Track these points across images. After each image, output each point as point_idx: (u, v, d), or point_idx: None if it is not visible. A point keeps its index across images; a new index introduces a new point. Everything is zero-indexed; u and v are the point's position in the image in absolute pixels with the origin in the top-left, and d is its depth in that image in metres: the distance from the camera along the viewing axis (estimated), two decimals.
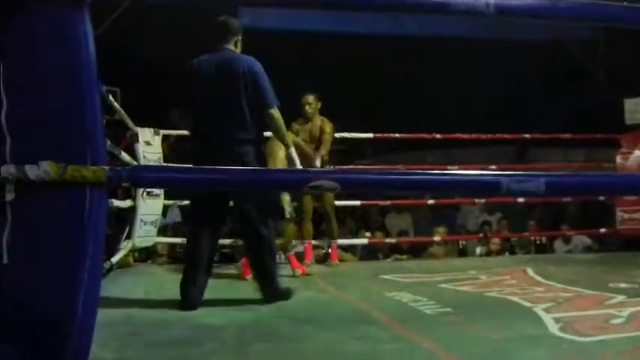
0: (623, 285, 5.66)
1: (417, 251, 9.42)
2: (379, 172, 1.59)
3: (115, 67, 6.20)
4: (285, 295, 5.16)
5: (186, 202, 8.24)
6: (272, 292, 5.12)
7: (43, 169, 1.97)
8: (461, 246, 10.03)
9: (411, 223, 11.27)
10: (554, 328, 4.07)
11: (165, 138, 7.98)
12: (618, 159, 8.79)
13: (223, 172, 1.76)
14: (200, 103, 5.04)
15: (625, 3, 2.05)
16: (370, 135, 8.32)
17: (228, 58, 5.10)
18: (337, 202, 8.32)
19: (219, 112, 4.99)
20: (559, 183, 1.88)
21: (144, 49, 12.03)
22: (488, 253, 9.16)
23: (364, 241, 8.94)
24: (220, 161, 4.60)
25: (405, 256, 8.92)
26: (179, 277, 5.03)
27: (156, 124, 7.55)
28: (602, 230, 9.04)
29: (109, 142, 4.48)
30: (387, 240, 9.06)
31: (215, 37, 5.24)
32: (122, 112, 6.40)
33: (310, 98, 7.55)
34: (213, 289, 5.33)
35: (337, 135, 8.27)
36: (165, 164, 7.25)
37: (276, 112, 5.05)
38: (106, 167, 2.03)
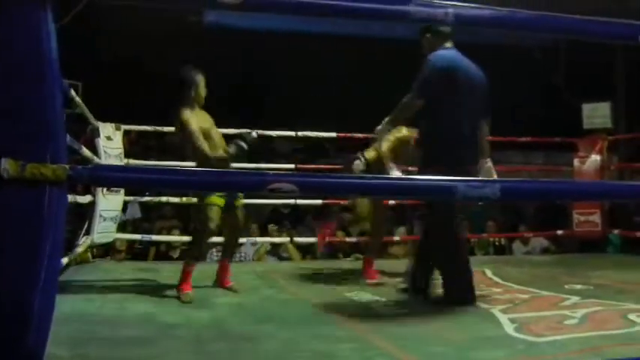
0: (578, 286, 5.76)
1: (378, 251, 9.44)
2: (337, 175, 1.61)
3: (77, 61, 6.17)
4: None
5: (147, 198, 8.24)
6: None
7: (2, 167, 1.96)
8: None
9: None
10: (509, 328, 4.13)
11: (126, 133, 7.92)
12: (576, 162, 8.91)
13: (182, 173, 1.76)
14: (460, 104, 5.01)
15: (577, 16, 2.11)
16: (334, 134, 8.33)
17: (468, 60, 5.24)
18: (299, 201, 8.35)
19: (476, 115, 5.11)
20: (514, 189, 1.91)
21: (107, 43, 11.98)
22: None
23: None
24: (476, 165, 4.94)
25: (364, 256, 8.93)
26: (138, 273, 5.02)
27: (119, 118, 7.49)
28: (560, 232, 9.15)
29: (69, 137, 4.43)
30: (348, 239, 9.07)
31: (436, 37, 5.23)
32: (83, 106, 6.34)
33: None
34: (174, 286, 5.32)
35: (300, 134, 8.29)
36: (125, 165, 7.15)
37: None
38: (67, 166, 2.02)
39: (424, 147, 5.22)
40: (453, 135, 4.94)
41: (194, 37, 12.11)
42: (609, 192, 2.51)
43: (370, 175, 1.73)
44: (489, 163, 5.31)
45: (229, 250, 5.87)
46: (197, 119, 5.29)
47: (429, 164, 4.86)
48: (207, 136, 5.27)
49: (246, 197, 8.38)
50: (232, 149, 5.29)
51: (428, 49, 5.24)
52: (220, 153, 5.29)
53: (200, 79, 5.48)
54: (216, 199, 5.24)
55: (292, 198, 8.18)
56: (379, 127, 5.44)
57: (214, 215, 5.24)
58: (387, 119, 5.36)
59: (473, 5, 2.04)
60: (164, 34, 12.01)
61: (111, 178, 2.09)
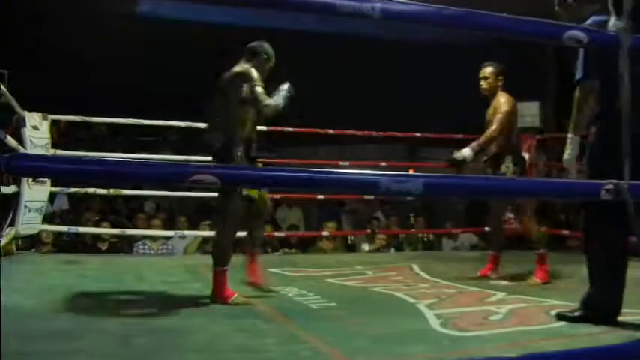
0: (503, 282, 5.85)
1: (306, 246, 9.47)
2: (259, 168, 1.59)
3: (2, 49, 6.04)
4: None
5: (74, 189, 8.10)
6: None
7: None
8: (350, 241, 10.15)
9: (301, 218, 11.32)
10: (435, 323, 4.18)
11: (54, 123, 7.78)
12: None
13: (103, 164, 1.73)
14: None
15: (504, 14, 2.13)
16: (263, 128, 8.30)
17: None
18: None
19: None
20: (437, 184, 1.92)
21: (37, 31, 11.75)
22: (377, 249, 9.28)
23: None
24: None
25: (293, 250, 8.96)
26: (64, 266, 4.93)
27: (46, 108, 7.36)
28: (487, 229, 9.26)
29: None
30: (277, 234, 9.07)
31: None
32: (9, 95, 6.20)
33: (487, 71, 6.39)
34: (101, 279, 5.26)
35: None
36: (46, 154, 7.00)
37: None
38: None
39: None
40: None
41: (126, 26, 11.96)
42: (532, 189, 2.55)
43: (290, 169, 1.72)
44: None
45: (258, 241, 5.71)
46: None
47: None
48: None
49: (172, 190, 8.39)
50: (285, 91, 5.16)
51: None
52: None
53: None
54: (252, 191, 5.17)
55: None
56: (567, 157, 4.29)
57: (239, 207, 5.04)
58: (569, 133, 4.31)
59: (400, 1, 2.05)
60: (96, 23, 11.84)
61: (30, 167, 2.03)
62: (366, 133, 8.89)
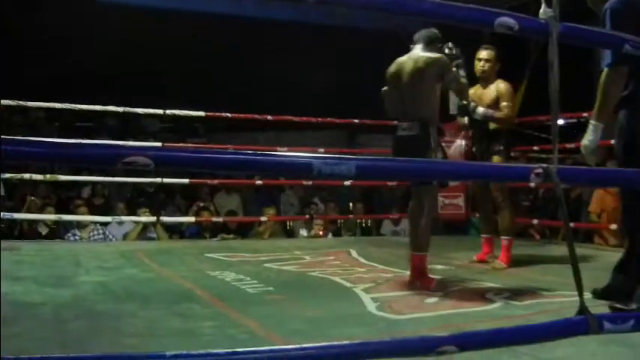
0: (440, 267, 5.92)
1: (245, 231, 9.46)
2: (193, 150, 1.60)
3: None
4: None
5: (10, 174, 7.97)
6: None
7: None
8: (288, 227, 10.18)
9: (240, 203, 11.30)
10: (371, 307, 4.22)
11: None
12: (457, 142, 9.12)
13: (37, 145, 1.70)
14: None
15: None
16: (202, 113, 8.26)
17: None
18: (166, 180, 8.25)
19: None
20: (369, 167, 1.95)
21: None
22: (315, 235, 9.31)
23: (191, 219, 8.89)
24: None
25: (232, 236, 8.94)
26: None
27: None
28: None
29: None
30: (215, 219, 9.04)
31: None
32: None
33: (484, 53, 6.23)
34: (37, 265, 5.19)
35: (168, 112, 8.18)
36: None
37: None
38: None
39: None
40: None
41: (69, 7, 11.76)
42: (464, 172, 2.59)
43: (223, 150, 1.73)
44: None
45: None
46: None
47: None
48: None
49: (109, 175, 8.29)
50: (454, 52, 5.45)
51: None
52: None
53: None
54: None
55: (155, 175, 8.13)
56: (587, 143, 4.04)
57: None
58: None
59: None
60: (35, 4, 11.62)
61: None
62: (304, 119, 8.88)
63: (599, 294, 4.07)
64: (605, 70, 3.82)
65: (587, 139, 3.97)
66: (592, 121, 3.97)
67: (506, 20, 2.26)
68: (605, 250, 7.03)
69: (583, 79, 8.55)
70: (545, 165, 2.28)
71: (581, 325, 2.27)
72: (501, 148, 6.10)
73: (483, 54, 6.18)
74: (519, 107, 11.70)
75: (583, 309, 2.28)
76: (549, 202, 9.22)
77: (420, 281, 4.95)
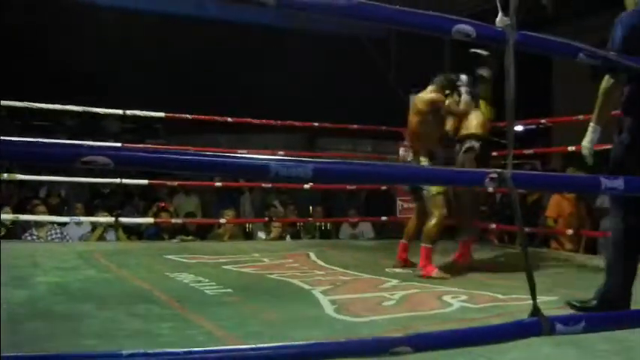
0: (398, 270, 5.96)
1: (204, 233, 9.43)
2: (152, 150, 1.60)
3: None
4: None
5: None
6: None
7: None
8: (248, 229, 10.17)
9: (198, 205, 11.27)
10: (329, 309, 4.25)
11: None
12: (400, 151, 9.17)
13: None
14: None
15: (398, 6, 2.20)
16: (162, 114, 8.23)
17: None
18: (125, 180, 8.22)
19: None
20: (326, 170, 1.97)
21: None
22: (273, 238, 9.31)
23: (150, 220, 8.83)
24: None
25: (190, 238, 8.91)
26: None
27: None
28: (384, 218, 9.43)
29: None
30: (174, 220, 9.00)
31: None
32: None
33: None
34: None
35: (129, 112, 8.14)
36: None
37: None
38: None
39: None
40: None
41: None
42: (421, 176, 2.63)
43: (180, 152, 1.74)
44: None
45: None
46: None
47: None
48: None
49: (68, 175, 8.22)
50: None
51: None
52: None
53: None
54: (439, 188, 5.94)
55: (116, 176, 8.10)
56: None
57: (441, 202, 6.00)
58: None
59: None
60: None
61: None
62: (264, 121, 8.88)
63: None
64: (606, 77, 4.01)
65: (587, 141, 4.21)
66: (591, 124, 4.20)
67: (464, 27, 2.30)
68: (561, 255, 7.14)
69: (541, 87, 8.68)
70: (499, 170, 2.32)
71: (533, 326, 2.31)
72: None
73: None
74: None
75: (536, 311, 2.33)
76: (507, 206, 9.31)
77: (423, 269, 5.75)
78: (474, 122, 6.66)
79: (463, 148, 6.62)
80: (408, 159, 6.28)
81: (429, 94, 6.15)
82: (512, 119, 2.55)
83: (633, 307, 3.70)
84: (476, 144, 6.60)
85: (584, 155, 4.25)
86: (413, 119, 6.18)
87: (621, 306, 3.87)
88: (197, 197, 11.44)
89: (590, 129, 4.22)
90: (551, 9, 9.43)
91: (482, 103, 6.70)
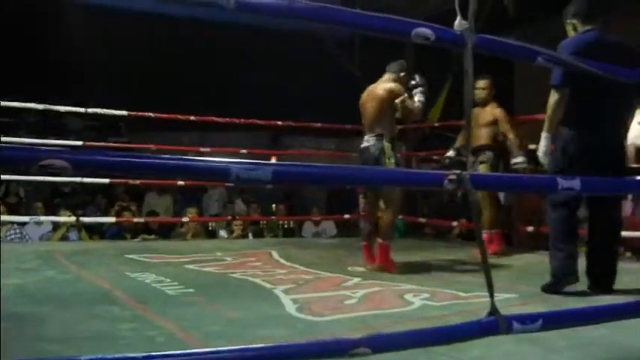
0: (360, 268, 5.99)
1: (167, 232, 9.41)
2: (111, 153, 1.59)
3: None
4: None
5: None
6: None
7: None
8: (210, 227, 10.16)
9: (171, 204, 11.24)
10: (291, 308, 4.24)
11: None
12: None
13: None
14: None
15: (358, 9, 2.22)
16: (124, 112, 8.18)
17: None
18: (87, 180, 8.15)
19: None
20: (286, 172, 1.98)
21: None
22: (239, 236, 9.32)
23: (112, 219, 8.79)
24: None
25: (153, 237, 8.89)
26: None
27: None
28: (347, 216, 9.46)
29: None
30: (136, 220, 8.96)
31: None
32: None
33: (482, 83, 7.24)
34: None
35: (90, 110, 8.09)
36: None
37: None
38: None
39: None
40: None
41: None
42: (381, 178, 2.65)
43: (140, 154, 1.74)
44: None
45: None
46: None
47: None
48: None
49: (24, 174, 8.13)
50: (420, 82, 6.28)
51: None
52: None
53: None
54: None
55: (70, 176, 8.02)
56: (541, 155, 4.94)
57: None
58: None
59: None
60: None
61: None
62: (227, 119, 8.86)
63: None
64: (552, 91, 4.68)
65: (542, 151, 4.83)
66: (543, 133, 4.82)
67: (423, 31, 2.33)
68: (521, 252, 7.21)
69: (503, 89, 8.78)
70: (458, 171, 2.35)
71: (491, 325, 2.34)
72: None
73: (481, 83, 7.20)
74: (442, 111, 12.04)
75: (493, 310, 2.36)
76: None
77: (384, 266, 5.88)
78: (485, 133, 7.06)
79: (478, 160, 6.99)
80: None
81: (389, 82, 6.20)
82: (470, 119, 2.59)
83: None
84: (489, 154, 7.00)
85: (541, 162, 4.89)
86: (371, 105, 6.14)
87: (573, 280, 4.74)
88: (170, 196, 11.41)
89: (542, 137, 4.84)
90: (512, 10, 9.53)
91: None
